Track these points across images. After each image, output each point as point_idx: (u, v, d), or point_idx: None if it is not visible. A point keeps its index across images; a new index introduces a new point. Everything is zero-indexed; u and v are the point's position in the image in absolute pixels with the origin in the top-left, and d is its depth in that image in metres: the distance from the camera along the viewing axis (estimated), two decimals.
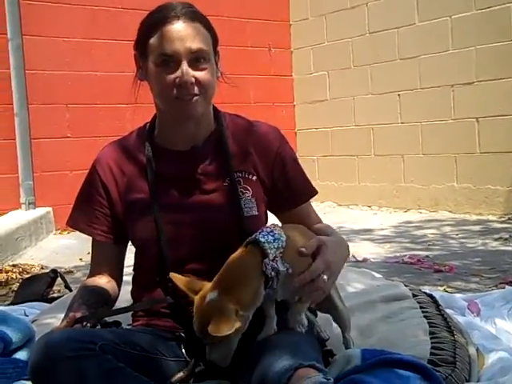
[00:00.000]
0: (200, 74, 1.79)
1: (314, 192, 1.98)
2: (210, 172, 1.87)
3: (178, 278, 1.69)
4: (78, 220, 1.96)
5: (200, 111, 1.83)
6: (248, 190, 1.85)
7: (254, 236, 1.66)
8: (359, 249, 4.51)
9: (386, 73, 6.87)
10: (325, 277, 1.64)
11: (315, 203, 7.39)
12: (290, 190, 1.92)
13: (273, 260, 1.62)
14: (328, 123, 7.52)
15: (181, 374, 1.75)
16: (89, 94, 6.21)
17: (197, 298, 1.62)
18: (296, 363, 1.52)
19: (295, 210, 1.94)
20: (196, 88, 1.79)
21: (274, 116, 7.33)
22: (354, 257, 4.06)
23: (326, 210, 6.55)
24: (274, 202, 1.93)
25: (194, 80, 1.78)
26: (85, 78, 6.22)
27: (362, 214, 6.64)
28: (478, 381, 1.94)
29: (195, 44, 1.79)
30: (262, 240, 1.64)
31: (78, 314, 1.76)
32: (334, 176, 7.42)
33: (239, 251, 1.67)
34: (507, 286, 3.05)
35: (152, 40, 1.81)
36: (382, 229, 5.62)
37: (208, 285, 1.64)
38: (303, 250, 1.65)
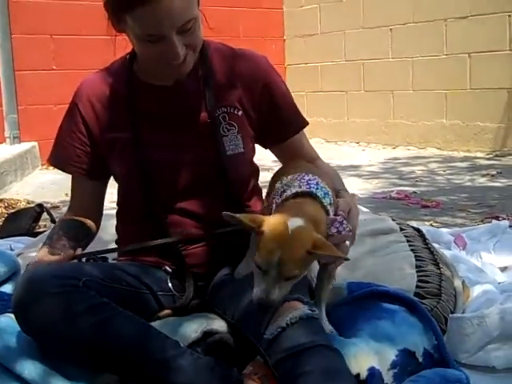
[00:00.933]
0: (190, 39, 1.64)
1: (304, 123, 1.91)
2: (194, 108, 1.79)
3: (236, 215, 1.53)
4: (58, 157, 1.90)
5: (190, 66, 1.72)
6: (234, 126, 1.77)
7: (307, 188, 1.59)
8: (347, 185, 4.46)
9: (378, 6, 6.75)
10: (347, 243, 1.60)
11: None
12: (280, 122, 1.85)
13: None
14: (318, 58, 7.43)
15: (168, 311, 1.76)
16: (74, 25, 6.06)
17: (270, 228, 1.49)
18: None
19: (288, 143, 1.88)
20: (185, 50, 1.64)
21: (264, 50, 7.18)
22: None
23: (315, 146, 6.49)
24: (264, 135, 1.86)
25: (184, 48, 1.64)
26: (70, 7, 6.06)
27: (351, 151, 6.62)
28: (462, 312, 1.96)
29: (184, 17, 1.59)
30: (319, 195, 1.58)
31: (79, 251, 1.75)
32: (322, 112, 7.38)
33: (297, 200, 1.57)
34: (493, 221, 3.06)
35: (131, 17, 1.59)
36: (370, 165, 5.62)
37: (270, 217, 1.53)
38: (342, 213, 1.60)
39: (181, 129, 1.78)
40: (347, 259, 1.57)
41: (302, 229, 1.49)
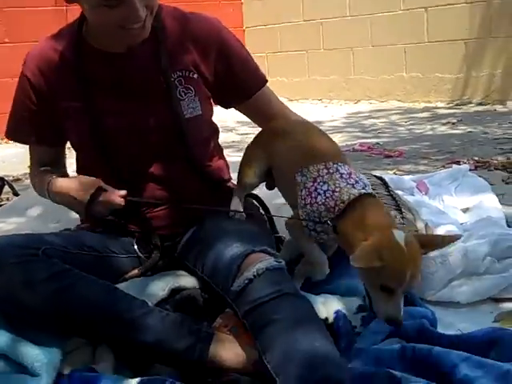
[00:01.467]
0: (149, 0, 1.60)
1: (263, 79, 1.88)
2: (149, 74, 1.75)
3: None
4: (13, 130, 1.87)
5: (149, 30, 1.66)
6: (190, 89, 1.74)
7: (361, 187, 1.55)
8: None
9: None
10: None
11: None
12: (240, 80, 1.82)
13: None
14: (277, 19, 7.38)
15: (135, 271, 1.75)
16: None
17: (389, 248, 1.41)
18: (247, 249, 1.53)
19: (253, 100, 1.84)
20: (145, 12, 1.59)
21: (222, 14, 7.08)
22: None
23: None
24: (225, 95, 1.83)
25: (145, 10, 1.58)
26: None
27: (313, 108, 6.63)
28: None
29: None
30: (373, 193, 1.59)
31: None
32: (284, 72, 7.35)
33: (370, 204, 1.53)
34: (454, 165, 3.11)
35: None
36: (333, 120, 5.64)
37: (374, 235, 1.44)
38: None
39: (137, 95, 1.74)
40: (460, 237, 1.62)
41: (410, 238, 1.45)
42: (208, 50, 1.77)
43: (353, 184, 1.56)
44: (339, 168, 1.59)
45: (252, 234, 1.66)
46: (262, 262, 1.50)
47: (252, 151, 1.81)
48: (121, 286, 1.66)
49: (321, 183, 1.57)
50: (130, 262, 1.77)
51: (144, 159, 1.77)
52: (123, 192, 1.68)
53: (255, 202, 1.90)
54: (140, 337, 1.52)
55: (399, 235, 1.42)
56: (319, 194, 1.56)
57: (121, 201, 1.68)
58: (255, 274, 1.47)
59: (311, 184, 1.58)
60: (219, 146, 1.92)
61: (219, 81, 1.79)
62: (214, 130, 1.88)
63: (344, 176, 1.57)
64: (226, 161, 1.91)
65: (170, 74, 1.73)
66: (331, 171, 1.58)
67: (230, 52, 1.80)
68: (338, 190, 1.55)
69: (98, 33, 1.71)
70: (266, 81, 1.88)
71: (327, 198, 1.54)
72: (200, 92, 1.76)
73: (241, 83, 1.83)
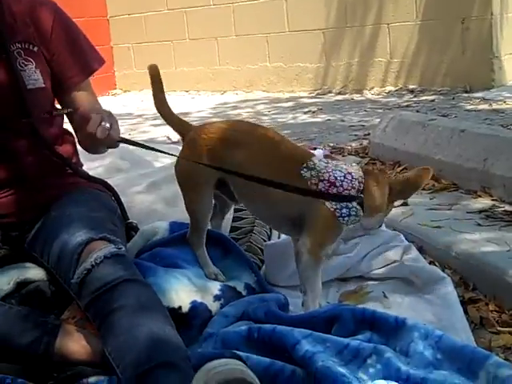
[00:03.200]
0: None
1: (95, 66, 1.87)
2: None
3: None
4: None
5: None
6: (30, 61, 1.72)
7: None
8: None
9: None
10: (107, 125, 1.54)
11: (133, 92, 7.29)
12: (67, 65, 1.80)
13: None
14: (141, 8, 7.28)
15: None
16: None
17: None
18: (87, 238, 1.51)
19: (76, 93, 1.82)
20: None
21: (84, 2, 6.95)
22: (168, 138, 4.07)
23: (144, 98, 6.45)
24: (57, 81, 1.80)
25: None
26: None
27: (181, 99, 6.61)
28: None
29: None
30: None
31: None
32: (150, 63, 7.24)
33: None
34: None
35: None
36: (199, 111, 5.65)
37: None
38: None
39: None
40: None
41: None
42: (45, 29, 1.76)
43: (344, 164, 1.66)
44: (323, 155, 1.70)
45: (96, 220, 1.63)
46: (100, 250, 1.48)
47: (193, 167, 1.69)
48: None
49: (334, 171, 1.63)
50: None
51: None
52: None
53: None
54: None
55: None
56: (342, 180, 1.62)
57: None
58: (93, 263, 1.45)
59: (328, 174, 1.62)
60: (70, 133, 1.87)
61: (54, 62, 1.78)
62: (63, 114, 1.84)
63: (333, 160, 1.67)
64: (76, 148, 1.87)
65: (8, 44, 1.70)
66: (327, 159, 1.67)
67: (63, 34, 1.80)
68: (348, 171, 1.63)
69: None
70: (99, 65, 1.87)
71: (350, 181, 1.62)
72: (41, 65, 1.74)
73: (72, 65, 1.81)
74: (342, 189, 1.61)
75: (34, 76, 1.73)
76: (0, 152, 1.71)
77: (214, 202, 1.77)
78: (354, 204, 1.61)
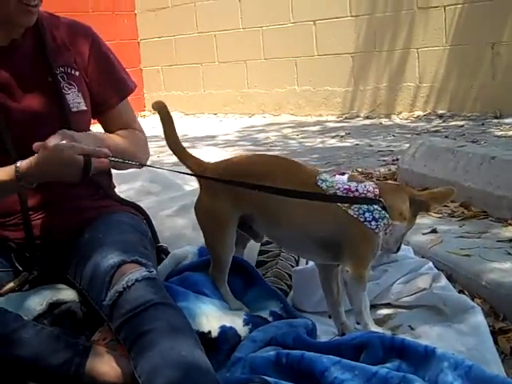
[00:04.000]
0: None
1: (130, 88, 1.92)
2: (34, 68, 1.76)
3: None
4: None
5: (36, 16, 1.70)
6: (73, 85, 1.78)
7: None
8: (203, 154, 4.53)
9: None
10: (63, 142, 1.55)
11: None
12: (104, 89, 1.85)
13: None
14: (171, 31, 7.38)
15: (11, 285, 1.71)
16: None
17: None
18: (119, 260, 1.53)
19: (112, 114, 1.88)
20: None
21: (116, 26, 7.08)
22: None
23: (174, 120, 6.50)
24: (95, 104, 1.85)
25: None
26: None
27: (208, 122, 6.67)
28: None
29: None
30: None
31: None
32: (179, 85, 7.35)
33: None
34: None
35: None
36: (226, 134, 5.69)
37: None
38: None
39: (22, 90, 1.74)
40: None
41: None
42: (83, 53, 1.82)
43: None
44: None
45: (128, 243, 1.65)
46: (132, 273, 1.49)
47: (213, 207, 1.72)
48: None
49: (347, 182, 1.65)
50: (7, 277, 1.72)
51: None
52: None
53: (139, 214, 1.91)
54: (15, 351, 1.47)
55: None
56: (356, 186, 1.63)
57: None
58: (125, 286, 1.47)
59: (342, 184, 1.64)
60: None
61: (90, 86, 1.83)
62: None
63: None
64: (109, 171, 1.90)
65: (54, 68, 1.75)
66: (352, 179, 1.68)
67: (100, 59, 1.85)
68: (361, 181, 1.66)
69: None
70: (131, 90, 1.92)
71: (364, 186, 1.63)
72: (82, 89, 1.80)
73: (105, 90, 1.86)
74: (357, 193, 1.62)
75: (77, 99, 1.78)
76: None
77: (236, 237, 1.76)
78: (376, 206, 1.62)
